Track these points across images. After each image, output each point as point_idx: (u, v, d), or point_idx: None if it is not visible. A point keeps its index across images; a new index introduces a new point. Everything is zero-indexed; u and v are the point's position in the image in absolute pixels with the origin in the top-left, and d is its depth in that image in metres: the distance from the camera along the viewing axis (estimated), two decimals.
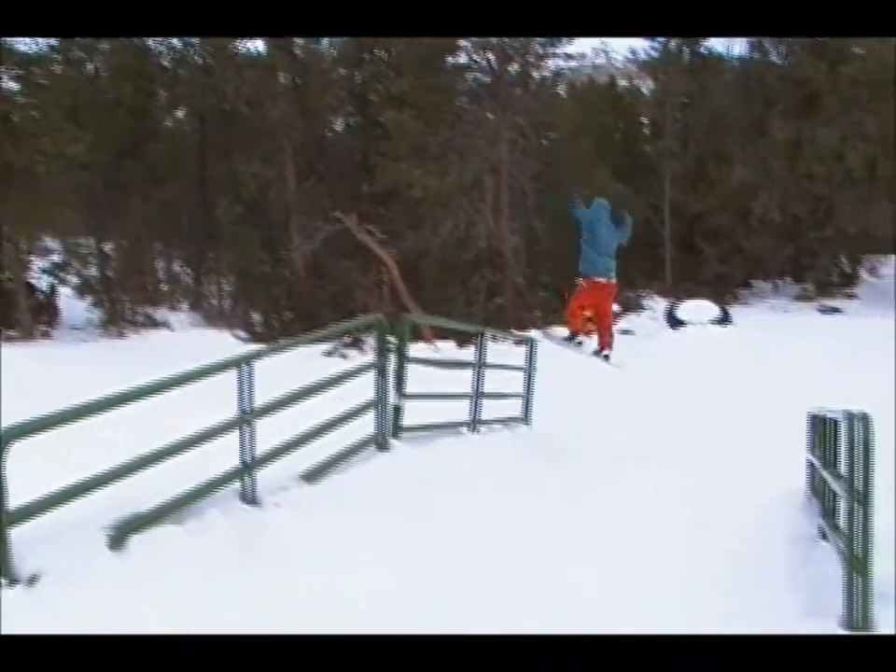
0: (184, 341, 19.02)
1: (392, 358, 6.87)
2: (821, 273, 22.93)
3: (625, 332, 18.54)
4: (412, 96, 21.20)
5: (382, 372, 6.68)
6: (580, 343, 8.70)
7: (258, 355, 5.26)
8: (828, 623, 3.97)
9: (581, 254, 8.38)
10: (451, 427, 7.94)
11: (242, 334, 20.50)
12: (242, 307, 23.35)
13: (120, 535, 4.11)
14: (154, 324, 21.68)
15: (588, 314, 8.71)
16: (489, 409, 8.68)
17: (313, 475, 5.67)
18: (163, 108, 25.62)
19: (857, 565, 3.99)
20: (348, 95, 23.26)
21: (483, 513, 5.42)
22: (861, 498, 4.03)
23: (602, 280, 8.38)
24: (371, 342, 9.44)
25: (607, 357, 8.79)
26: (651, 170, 25.37)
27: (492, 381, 8.79)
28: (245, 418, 5.03)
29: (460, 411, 8.27)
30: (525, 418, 9.66)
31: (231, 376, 4.97)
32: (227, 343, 17.60)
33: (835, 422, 5.14)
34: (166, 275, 26.20)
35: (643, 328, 20.69)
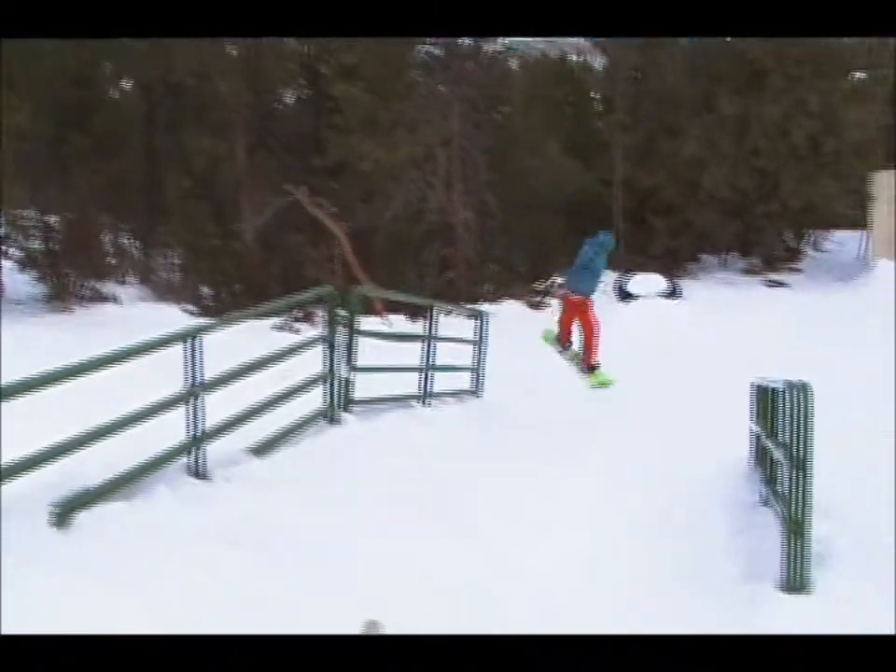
0: (132, 315, 18.69)
1: (342, 331, 6.85)
2: (767, 247, 23.30)
3: None
4: (363, 68, 20.94)
5: (332, 345, 6.66)
6: (560, 353, 10.21)
7: (206, 328, 5.20)
8: (765, 584, 4.11)
9: (571, 271, 10.01)
10: (402, 400, 7.96)
11: (191, 308, 20.21)
12: (191, 281, 22.95)
13: (65, 512, 4.06)
14: (101, 298, 21.21)
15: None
16: (441, 381, 8.72)
17: (262, 449, 5.66)
18: (108, 79, 24.88)
19: (795, 527, 4.12)
20: (299, 68, 22.89)
21: (432, 486, 5.46)
22: (800, 464, 4.15)
23: (577, 298, 10.02)
24: (322, 315, 9.40)
25: (582, 370, 10.06)
26: (603, 144, 25.43)
27: (444, 354, 8.82)
28: (194, 392, 4.98)
29: (411, 384, 8.29)
30: (477, 391, 9.72)
31: (178, 350, 4.92)
32: (176, 317, 17.35)
33: (777, 392, 5.27)
34: (114, 249, 25.61)
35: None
